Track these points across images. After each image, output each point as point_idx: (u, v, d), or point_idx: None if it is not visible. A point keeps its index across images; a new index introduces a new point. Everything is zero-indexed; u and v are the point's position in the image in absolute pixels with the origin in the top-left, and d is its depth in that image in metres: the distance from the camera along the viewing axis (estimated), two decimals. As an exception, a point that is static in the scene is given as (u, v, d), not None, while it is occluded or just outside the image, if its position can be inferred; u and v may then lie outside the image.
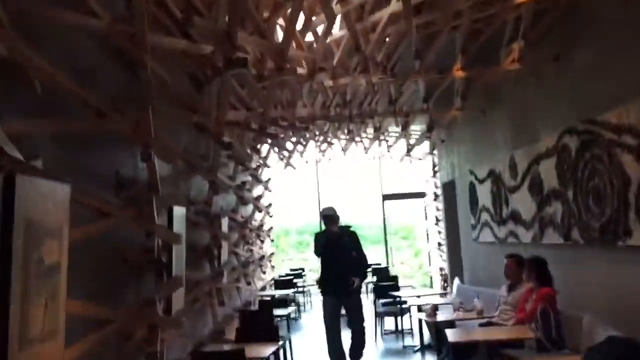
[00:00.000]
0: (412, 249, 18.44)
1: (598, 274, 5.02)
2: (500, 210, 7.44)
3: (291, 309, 7.28)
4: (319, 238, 6.89)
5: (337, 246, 6.57)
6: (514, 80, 6.47)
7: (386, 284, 9.51)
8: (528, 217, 6.45)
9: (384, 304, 8.96)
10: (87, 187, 3.04)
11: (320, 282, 6.84)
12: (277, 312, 6.77)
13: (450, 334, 4.66)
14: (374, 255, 14.32)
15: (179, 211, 4.71)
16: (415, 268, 17.40)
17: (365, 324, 6.68)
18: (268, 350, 4.64)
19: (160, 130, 3.70)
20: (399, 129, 10.76)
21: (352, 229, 6.96)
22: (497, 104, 7.42)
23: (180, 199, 5.25)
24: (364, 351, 6.69)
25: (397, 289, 9.33)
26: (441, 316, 5.74)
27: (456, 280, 9.44)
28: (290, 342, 6.95)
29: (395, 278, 9.96)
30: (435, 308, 5.67)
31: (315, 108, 8.00)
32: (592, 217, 4.96)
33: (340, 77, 6.87)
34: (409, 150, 12.50)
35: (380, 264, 13.94)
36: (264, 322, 5.87)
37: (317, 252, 6.81)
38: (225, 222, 6.88)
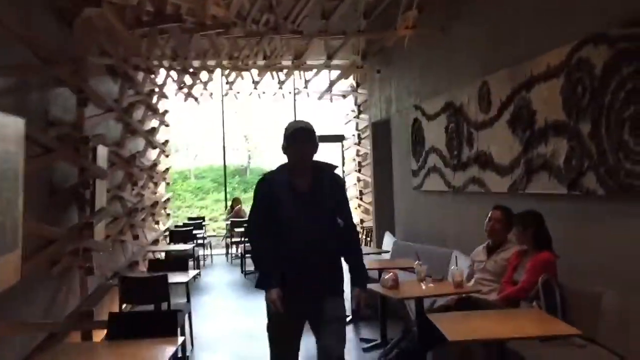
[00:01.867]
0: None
1: (627, 236, 3.65)
2: (459, 152, 5.99)
3: (192, 272, 5.46)
4: (269, 186, 3.16)
5: (310, 202, 3.08)
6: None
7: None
8: (505, 159, 5.02)
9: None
10: None
11: (266, 273, 3.08)
12: (175, 278, 4.95)
13: (448, 329, 2.96)
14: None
15: (7, 122, 2.77)
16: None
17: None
18: (160, 356, 2.79)
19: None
20: (320, 61, 9.10)
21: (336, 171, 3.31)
22: (464, 17, 5.86)
23: (19, 107, 3.29)
24: None
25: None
26: (403, 289, 4.21)
27: (388, 236, 8.02)
28: (190, 317, 5.20)
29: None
30: (397, 278, 4.15)
31: (231, 11, 6.10)
32: (626, 158, 3.56)
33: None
34: (331, 84, 10.86)
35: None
36: (155, 297, 4.07)
37: (259, 218, 3.16)
38: (103, 153, 4.92)
